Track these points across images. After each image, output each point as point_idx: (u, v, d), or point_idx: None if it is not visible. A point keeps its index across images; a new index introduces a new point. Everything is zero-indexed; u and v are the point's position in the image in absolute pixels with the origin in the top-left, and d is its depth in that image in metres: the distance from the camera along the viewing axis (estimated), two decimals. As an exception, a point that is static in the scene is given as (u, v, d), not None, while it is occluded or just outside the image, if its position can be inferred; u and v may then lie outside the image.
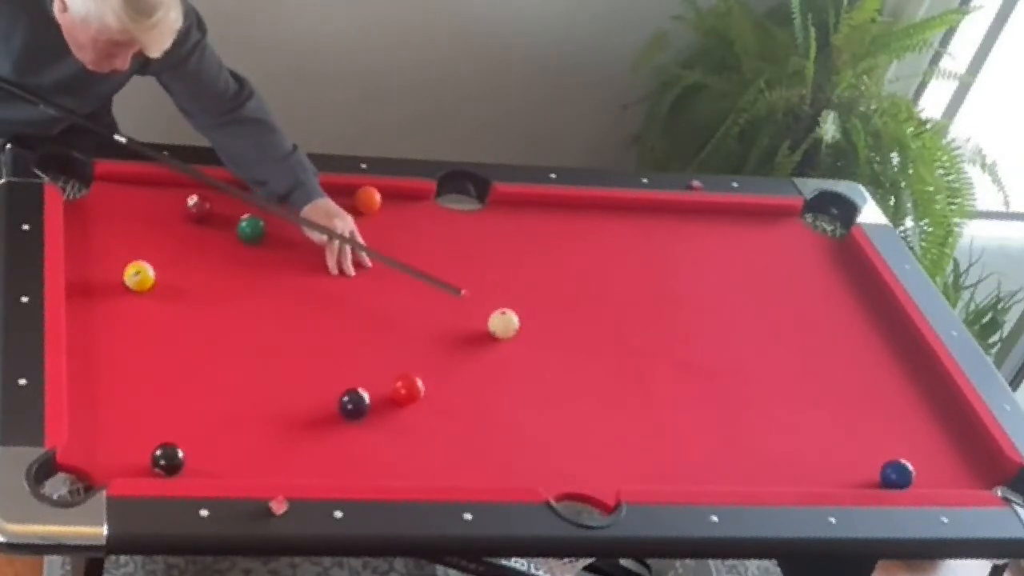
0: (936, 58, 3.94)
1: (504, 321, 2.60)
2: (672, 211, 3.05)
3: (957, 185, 3.61)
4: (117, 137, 2.68)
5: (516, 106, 4.00)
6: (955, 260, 3.77)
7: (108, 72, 2.47)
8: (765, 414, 2.59)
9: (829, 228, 3.16)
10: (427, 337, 2.57)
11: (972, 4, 3.83)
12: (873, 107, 3.68)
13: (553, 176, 3.02)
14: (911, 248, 3.40)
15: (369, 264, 2.69)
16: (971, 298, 3.90)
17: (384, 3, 3.71)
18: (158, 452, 2.13)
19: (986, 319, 3.88)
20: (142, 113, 2.83)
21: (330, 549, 2.41)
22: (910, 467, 2.46)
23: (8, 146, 2.65)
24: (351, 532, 2.13)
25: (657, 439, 2.49)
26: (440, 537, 2.21)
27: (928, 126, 3.68)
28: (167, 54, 2.44)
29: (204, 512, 2.06)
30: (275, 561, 3.01)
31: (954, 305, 3.66)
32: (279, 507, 2.08)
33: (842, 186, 3.24)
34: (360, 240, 2.68)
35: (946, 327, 2.86)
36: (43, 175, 2.62)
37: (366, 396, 2.33)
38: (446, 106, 3.94)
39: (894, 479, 2.46)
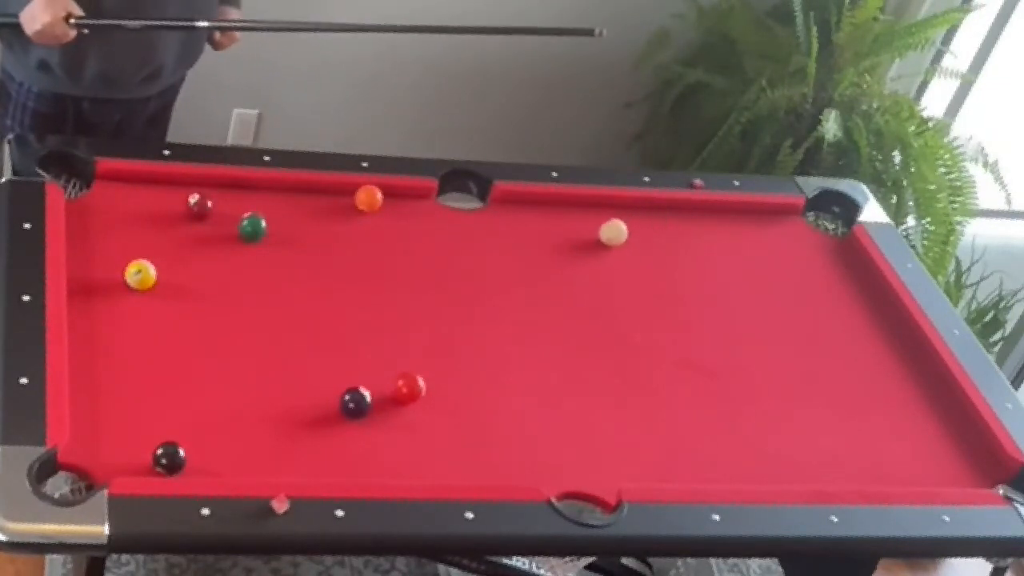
0: (938, 57, 3.94)
1: (614, 229, 2.85)
2: (674, 210, 3.04)
3: (959, 184, 3.61)
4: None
5: (518, 104, 4.00)
6: (957, 259, 3.77)
7: None
8: (766, 412, 2.59)
9: (831, 227, 3.15)
10: (428, 335, 2.57)
11: (974, 3, 3.84)
12: (875, 105, 3.68)
13: (555, 175, 3.02)
14: (913, 247, 3.40)
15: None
16: (973, 297, 3.91)
17: (385, 2, 3.71)
18: (159, 451, 2.12)
19: (988, 318, 3.89)
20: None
21: (332, 548, 2.41)
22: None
23: (9, 144, 2.65)
24: (353, 531, 2.13)
25: (658, 438, 2.49)
26: (442, 536, 2.20)
27: (930, 124, 3.68)
28: None
29: (205, 511, 2.05)
30: (277, 560, 3.02)
31: (956, 304, 3.66)
32: (281, 506, 2.08)
33: (844, 185, 3.23)
34: None
35: (948, 326, 2.86)
36: (45, 174, 2.62)
37: (367, 395, 2.33)
38: (447, 104, 3.94)
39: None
